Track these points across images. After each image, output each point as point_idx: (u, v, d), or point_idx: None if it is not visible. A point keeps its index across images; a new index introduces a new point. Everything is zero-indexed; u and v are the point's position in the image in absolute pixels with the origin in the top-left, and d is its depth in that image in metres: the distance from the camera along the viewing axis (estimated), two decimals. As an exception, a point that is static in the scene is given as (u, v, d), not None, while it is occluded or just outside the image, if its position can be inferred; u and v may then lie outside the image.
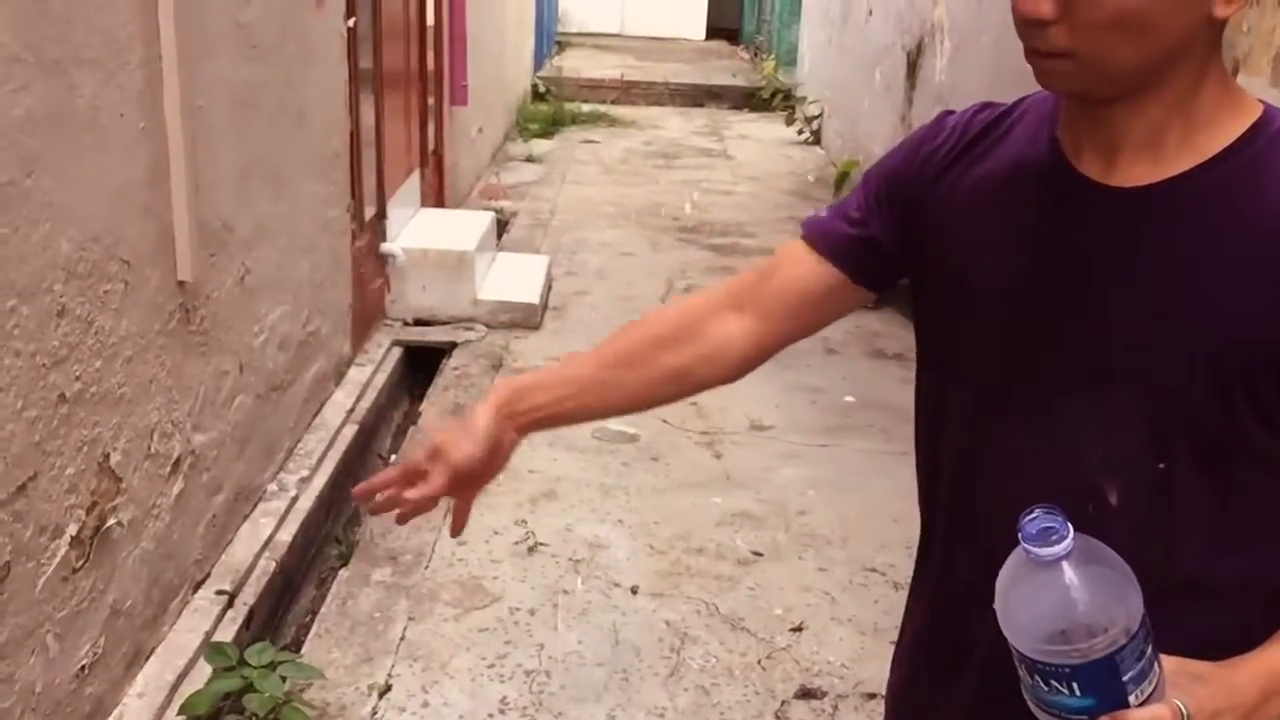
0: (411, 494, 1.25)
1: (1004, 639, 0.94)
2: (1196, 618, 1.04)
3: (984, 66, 5.27)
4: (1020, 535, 0.90)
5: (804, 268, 1.26)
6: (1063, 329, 1.07)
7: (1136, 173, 1.04)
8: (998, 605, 0.94)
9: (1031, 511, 0.90)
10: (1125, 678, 0.88)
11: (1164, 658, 0.93)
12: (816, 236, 1.26)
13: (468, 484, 1.28)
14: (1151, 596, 0.94)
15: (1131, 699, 0.89)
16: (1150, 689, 0.90)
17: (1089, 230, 1.06)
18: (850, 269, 1.24)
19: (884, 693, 1.41)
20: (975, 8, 5.57)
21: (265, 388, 3.31)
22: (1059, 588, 0.88)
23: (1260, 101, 1.04)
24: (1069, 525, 0.89)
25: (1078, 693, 0.89)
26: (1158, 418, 1.02)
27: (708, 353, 1.30)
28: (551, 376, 1.31)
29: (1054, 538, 0.88)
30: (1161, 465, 1.03)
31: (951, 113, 1.23)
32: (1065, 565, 0.88)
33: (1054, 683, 0.89)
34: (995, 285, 1.12)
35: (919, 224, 1.19)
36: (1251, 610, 1.05)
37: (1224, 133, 1.02)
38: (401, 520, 1.31)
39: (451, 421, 1.23)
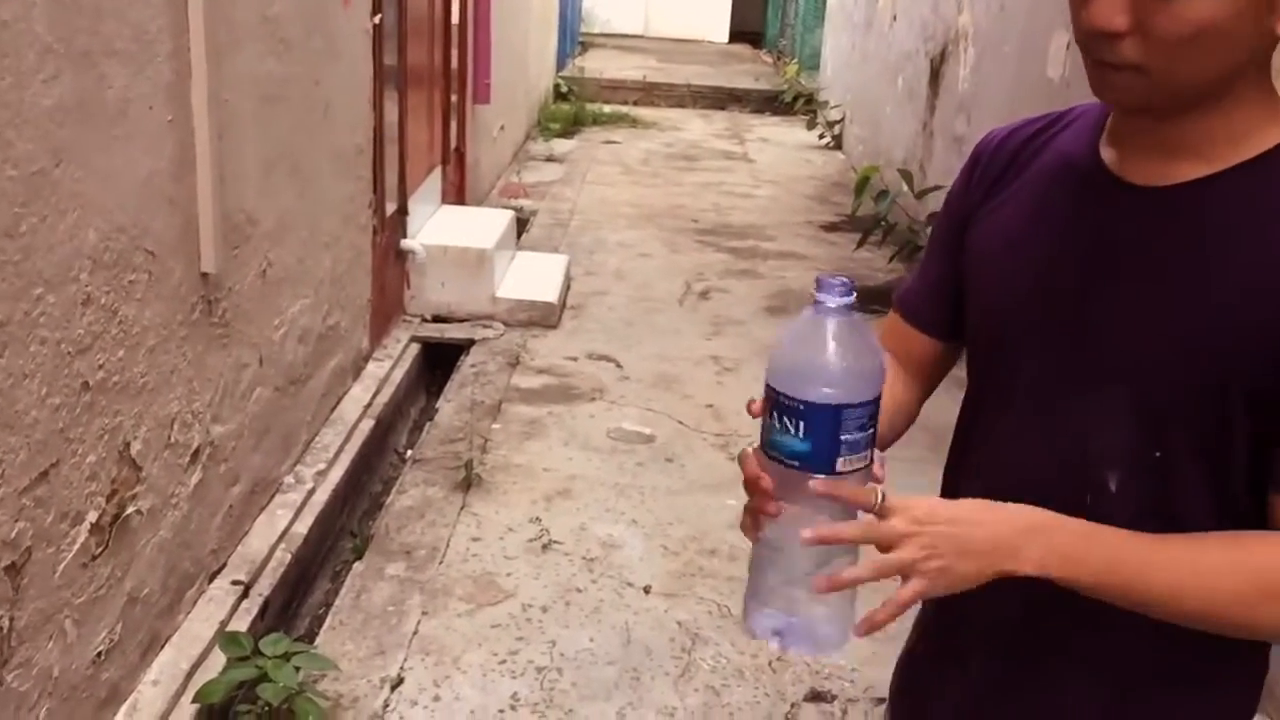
0: None
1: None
2: None
3: (1007, 75, 5.26)
4: (815, 287, 1.03)
5: (907, 342, 1.32)
6: (1077, 326, 1.09)
7: (1177, 173, 1.05)
8: (773, 351, 1.05)
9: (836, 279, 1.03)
10: (842, 438, 1.00)
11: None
12: (905, 309, 1.34)
13: None
14: None
15: (840, 462, 1.01)
16: (859, 465, 1.02)
17: (1114, 229, 1.08)
18: (941, 333, 1.31)
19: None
20: (999, 15, 5.55)
21: (284, 380, 3.34)
22: (821, 334, 1.02)
23: None
24: (853, 297, 1.02)
25: (800, 434, 1.01)
26: (1158, 410, 1.04)
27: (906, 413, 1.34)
28: None
29: (837, 293, 1.01)
30: (1158, 454, 1.05)
31: (989, 136, 1.27)
32: (834, 319, 1.01)
33: (785, 420, 1.01)
34: (1022, 286, 1.15)
35: (967, 241, 1.24)
36: None
37: (1264, 138, 1.03)
38: None
39: None
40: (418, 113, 5.07)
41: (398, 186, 4.73)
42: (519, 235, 6.22)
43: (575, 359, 4.89)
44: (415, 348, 4.76)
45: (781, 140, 10.45)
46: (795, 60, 12.97)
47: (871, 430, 1.02)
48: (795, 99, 11.05)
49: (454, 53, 5.87)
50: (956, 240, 1.25)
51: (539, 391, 4.52)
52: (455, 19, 5.87)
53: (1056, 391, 1.11)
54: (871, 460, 1.03)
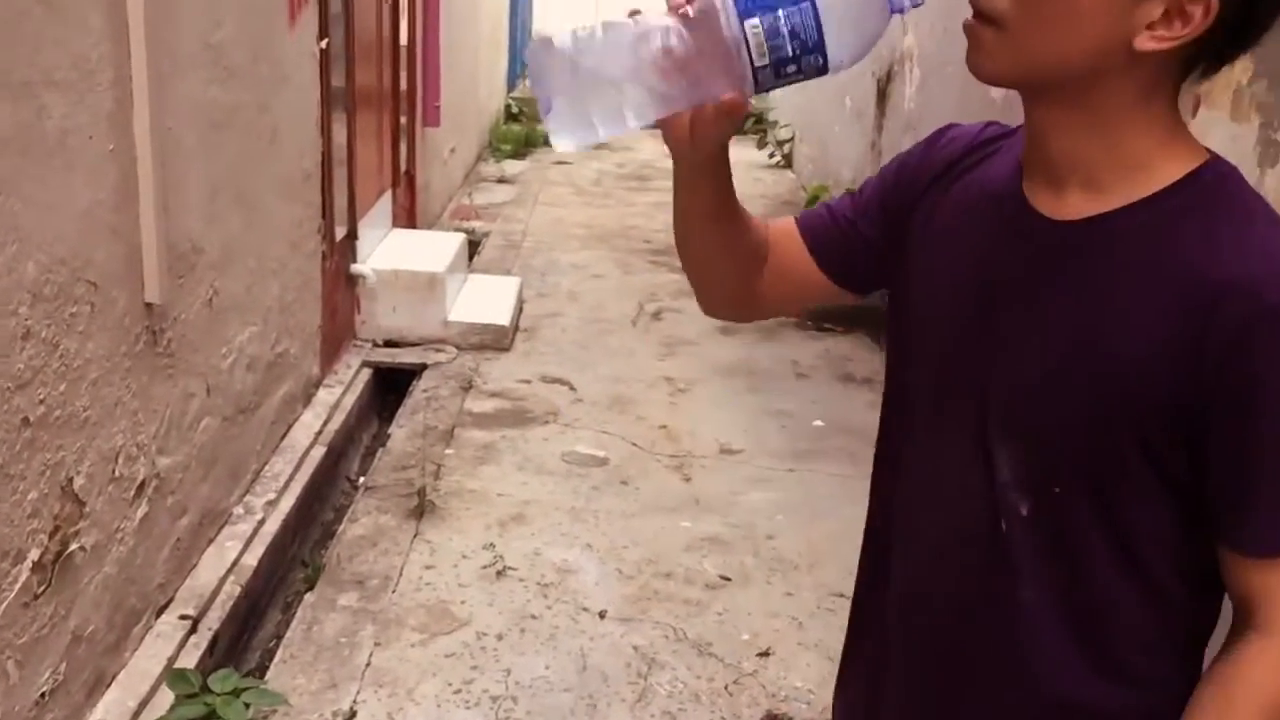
0: None
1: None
2: (1111, 636, 1.07)
3: (951, 95, 5.33)
4: None
5: (789, 249, 1.28)
6: (982, 354, 1.09)
7: (1074, 206, 1.05)
8: None
9: None
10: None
11: None
12: (804, 227, 1.28)
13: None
14: (1063, 616, 1.04)
15: (752, 24, 0.97)
16: (759, 42, 0.98)
17: (1021, 259, 1.08)
18: (826, 265, 1.26)
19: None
20: (942, 37, 5.63)
21: (232, 410, 3.29)
22: None
23: (1207, 151, 1.05)
24: None
25: None
26: (1057, 445, 1.04)
27: (761, 253, 1.28)
28: None
29: None
30: (1057, 490, 1.05)
31: (958, 125, 1.25)
32: None
33: None
34: (937, 308, 1.15)
35: (903, 235, 1.21)
36: (1158, 629, 1.07)
37: (1162, 175, 1.02)
38: None
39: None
40: (367, 136, 5.05)
41: (347, 211, 4.70)
42: (471, 258, 6.21)
43: (528, 382, 4.87)
44: (367, 373, 4.73)
45: (733, 159, 10.46)
46: (745, 80, 13.06)
47: (797, 48, 0.97)
48: (746, 119, 11.13)
49: (403, 75, 5.85)
50: (884, 218, 1.23)
51: (492, 415, 4.50)
52: (404, 40, 5.86)
53: (963, 421, 1.11)
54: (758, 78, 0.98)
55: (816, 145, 8.91)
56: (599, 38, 1.00)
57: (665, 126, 1.06)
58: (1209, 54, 1.00)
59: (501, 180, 9.04)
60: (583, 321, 5.71)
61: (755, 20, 0.97)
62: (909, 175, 1.23)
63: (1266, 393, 0.95)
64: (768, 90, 1.02)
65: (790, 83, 1.01)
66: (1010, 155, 1.14)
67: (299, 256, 3.96)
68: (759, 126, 10.62)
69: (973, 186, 1.16)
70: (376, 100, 5.36)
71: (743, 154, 10.81)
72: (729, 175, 1.17)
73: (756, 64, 0.98)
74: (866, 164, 7.15)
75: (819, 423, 4.61)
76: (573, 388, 4.84)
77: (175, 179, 2.74)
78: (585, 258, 6.89)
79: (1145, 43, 0.96)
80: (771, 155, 10.07)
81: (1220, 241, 0.98)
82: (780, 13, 0.97)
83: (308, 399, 4.16)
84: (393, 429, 4.35)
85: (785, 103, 10.55)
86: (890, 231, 1.23)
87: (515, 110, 11.55)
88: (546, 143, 8.93)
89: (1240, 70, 2.73)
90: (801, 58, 0.99)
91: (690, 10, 0.99)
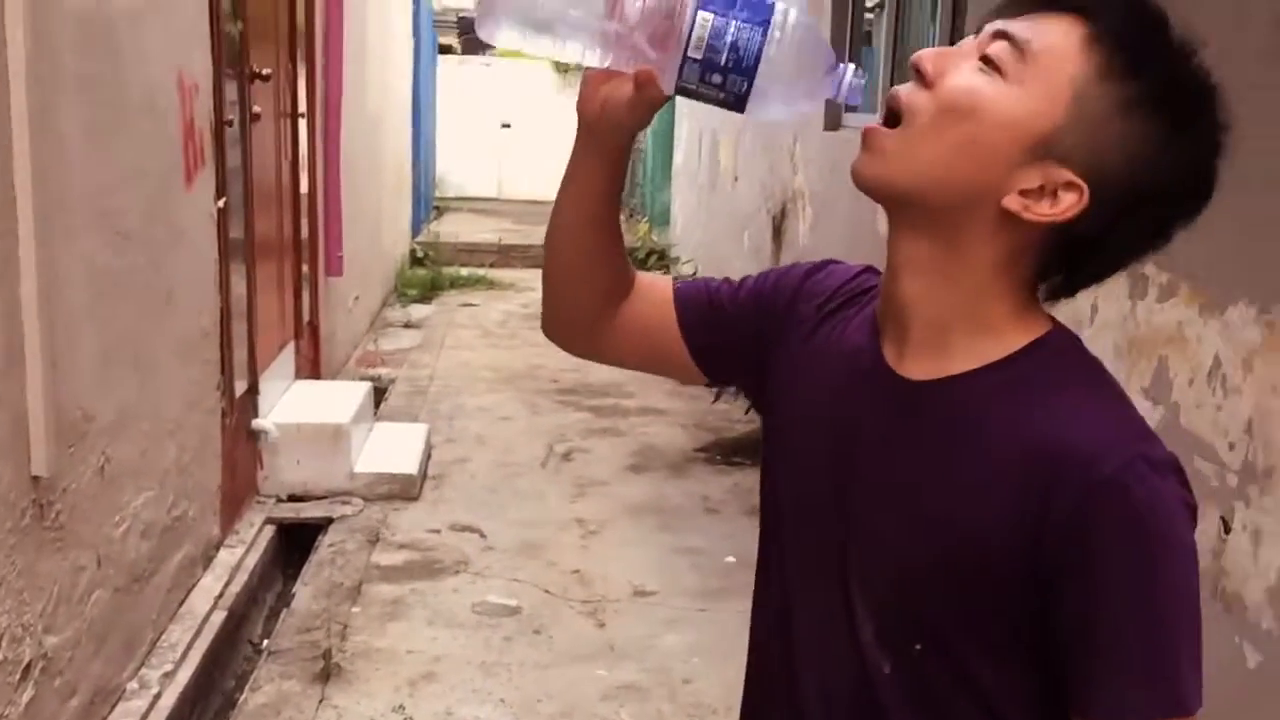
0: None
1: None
2: None
3: (842, 230, 5.52)
4: None
5: (657, 306, 1.26)
6: (841, 515, 1.10)
7: (922, 365, 1.07)
8: None
9: None
10: None
11: None
12: (679, 292, 1.28)
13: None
14: None
15: None
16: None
17: (876, 417, 1.09)
18: (690, 335, 1.25)
19: None
20: (830, 176, 5.85)
21: (126, 579, 3.18)
22: None
23: (1052, 321, 1.08)
24: None
25: None
26: (913, 611, 1.05)
27: (624, 287, 1.26)
28: None
29: None
30: (918, 649, 1.05)
31: (838, 263, 1.27)
32: None
33: None
34: (800, 457, 1.16)
35: (769, 347, 1.22)
36: None
37: (1007, 343, 1.04)
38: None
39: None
40: (268, 288, 5.02)
41: (248, 365, 4.64)
42: (377, 405, 6.15)
43: (438, 531, 4.80)
44: (270, 530, 4.61)
45: (637, 296, 10.64)
46: (646, 218, 13.37)
47: (730, 62, 0.99)
48: (649, 255, 11.35)
49: (304, 224, 5.86)
50: (767, 310, 1.23)
51: (401, 568, 4.41)
52: (305, 189, 5.88)
53: (828, 578, 1.12)
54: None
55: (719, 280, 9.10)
56: None
57: (584, 82, 1.08)
58: (1069, 257, 1.04)
59: (408, 325, 9.03)
60: (492, 465, 5.67)
61: (709, 14, 1.00)
62: (787, 290, 1.24)
63: (1104, 565, 0.96)
64: (685, 91, 1.03)
65: (708, 97, 1.03)
66: (874, 308, 1.17)
67: (197, 415, 3.89)
68: (662, 262, 10.84)
69: (835, 332, 1.18)
70: (277, 252, 5.35)
71: (647, 290, 10.98)
72: (621, 176, 1.18)
73: (689, 54, 1.00)
74: (767, 298, 7.31)
75: (731, 559, 4.59)
76: (483, 535, 4.77)
77: (65, 344, 2.69)
78: (493, 400, 6.87)
79: (1011, 202, 1.00)
80: (675, 290, 10.24)
81: (1060, 411, 1.00)
82: (733, 22, 1.00)
83: (207, 561, 4.03)
84: (297, 588, 4.23)
85: (687, 239, 10.80)
86: (757, 332, 1.23)
87: (421, 255, 11.62)
88: (452, 286, 8.89)
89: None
90: (730, 73, 1.01)
91: None
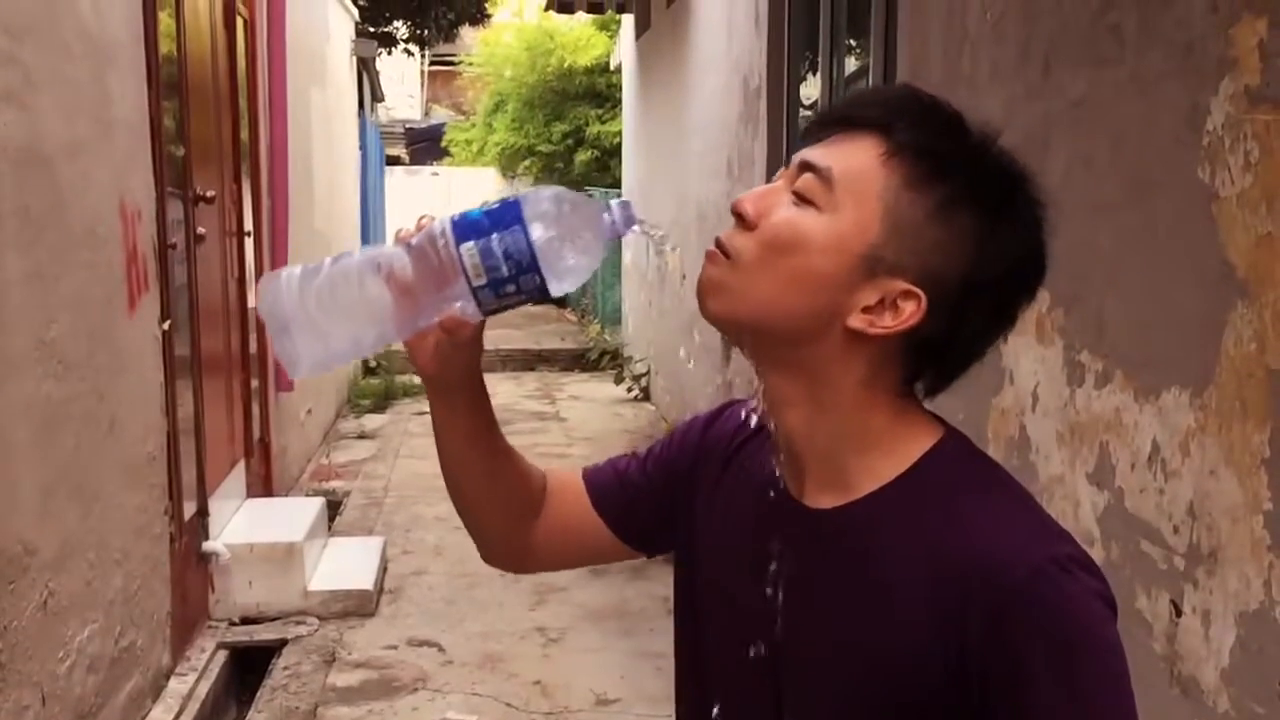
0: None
1: None
2: None
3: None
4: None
5: (574, 502, 1.29)
6: (767, 645, 1.10)
7: (825, 494, 1.08)
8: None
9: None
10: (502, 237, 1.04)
11: None
12: (589, 480, 1.29)
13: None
14: None
15: (469, 249, 1.04)
16: (478, 273, 1.05)
17: (789, 548, 1.09)
18: (611, 519, 1.27)
19: None
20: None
21: (72, 717, 3.08)
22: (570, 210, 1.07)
23: (943, 425, 1.09)
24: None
25: (483, 209, 1.06)
26: None
27: (534, 507, 1.29)
28: None
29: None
30: None
31: (740, 403, 1.27)
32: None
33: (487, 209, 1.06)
34: (722, 596, 1.16)
35: (687, 500, 1.23)
36: None
37: (899, 457, 1.05)
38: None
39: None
40: (216, 407, 4.98)
41: (196, 487, 4.57)
42: (332, 519, 6.07)
43: (395, 647, 4.70)
44: (223, 655, 4.50)
45: (592, 396, 10.67)
46: (598, 318, 13.46)
47: (513, 269, 1.03)
48: (601, 355, 11.40)
49: (254, 340, 5.83)
50: (680, 469, 1.25)
51: (357, 689, 4.31)
52: (252, 304, 5.86)
53: (760, 698, 1.12)
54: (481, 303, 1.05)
55: (671, 378, 9.15)
56: (326, 268, 1.07)
57: (409, 349, 1.11)
58: (928, 357, 1.06)
59: (362, 436, 8.96)
60: (449, 576, 5.59)
61: (470, 244, 1.03)
62: (690, 448, 1.26)
63: (1029, 681, 0.96)
64: (495, 311, 1.07)
65: (517, 303, 1.06)
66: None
67: (144, 542, 3.82)
68: (615, 362, 10.88)
69: (745, 470, 1.19)
70: (226, 369, 5.32)
71: (601, 390, 11.01)
72: (486, 400, 1.20)
73: (474, 284, 1.04)
74: (718, 394, 7.35)
75: (695, 661, 4.53)
76: (442, 649, 4.69)
77: (4, 479, 2.65)
78: (449, 509, 6.60)
79: (855, 321, 1.02)
80: (630, 390, 10.27)
81: (962, 520, 1.00)
82: (494, 237, 1.03)
83: (157, 692, 3.93)
84: (251, 715, 4.12)
85: (639, 337, 10.86)
86: (672, 499, 1.25)
87: (373, 365, 11.58)
88: (406, 394, 8.83)
89: (1040, 299, 2.95)
90: (519, 277, 1.04)
91: (412, 240, 1.05)
